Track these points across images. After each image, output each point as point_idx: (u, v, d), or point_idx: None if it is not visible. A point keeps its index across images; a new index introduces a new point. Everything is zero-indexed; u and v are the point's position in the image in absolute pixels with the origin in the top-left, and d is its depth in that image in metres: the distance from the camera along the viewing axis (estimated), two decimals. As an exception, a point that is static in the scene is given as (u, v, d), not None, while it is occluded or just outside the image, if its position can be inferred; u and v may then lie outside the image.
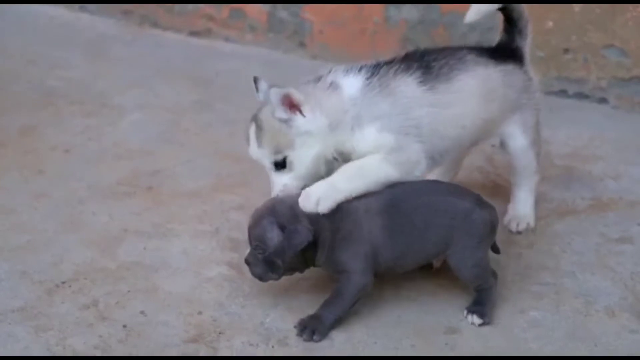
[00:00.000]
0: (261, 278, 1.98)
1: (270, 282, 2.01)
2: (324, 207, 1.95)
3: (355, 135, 2.04)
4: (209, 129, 2.91)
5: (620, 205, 2.49)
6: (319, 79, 2.09)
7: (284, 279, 2.02)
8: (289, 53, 3.40)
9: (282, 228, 1.93)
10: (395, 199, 1.99)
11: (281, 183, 2.05)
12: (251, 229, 1.96)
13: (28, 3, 3.64)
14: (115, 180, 2.57)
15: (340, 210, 1.96)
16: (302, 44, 3.41)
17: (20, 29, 3.54)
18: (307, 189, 2.00)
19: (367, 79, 2.07)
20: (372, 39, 3.30)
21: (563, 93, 3.10)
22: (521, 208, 2.36)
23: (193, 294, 2.08)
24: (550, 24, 3.06)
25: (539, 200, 2.49)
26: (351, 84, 2.07)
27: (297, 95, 2.00)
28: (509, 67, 2.22)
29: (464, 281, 2.04)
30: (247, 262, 2.00)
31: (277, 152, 2.04)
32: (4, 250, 2.23)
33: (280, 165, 2.05)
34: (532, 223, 2.36)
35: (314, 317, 1.96)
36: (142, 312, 2.01)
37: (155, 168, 2.64)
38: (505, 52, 2.25)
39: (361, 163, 2.02)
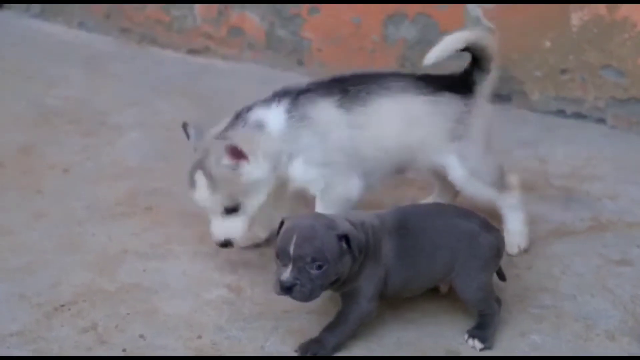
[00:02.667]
0: (309, 298, 1.87)
1: (270, 304, 2.00)
2: None
3: (289, 170, 2.15)
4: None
5: (619, 226, 2.50)
6: (240, 118, 2.13)
7: (283, 301, 2.01)
8: (287, 71, 3.41)
9: (338, 236, 1.86)
10: (405, 220, 1.99)
11: (229, 226, 2.13)
12: (303, 244, 1.84)
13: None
14: (114, 200, 2.57)
15: (365, 223, 1.94)
16: (300, 62, 3.42)
17: (19, 46, 3.54)
18: None
19: (288, 111, 2.14)
20: (370, 57, 3.31)
21: (561, 113, 3.12)
22: (509, 230, 2.34)
23: (192, 317, 2.08)
24: (548, 44, 3.08)
25: (538, 220, 2.49)
26: (275, 119, 2.13)
27: (244, 146, 2.06)
28: (443, 98, 2.23)
29: (467, 304, 2.04)
30: (290, 284, 1.85)
31: (231, 199, 2.11)
32: (2, 271, 2.22)
33: (232, 210, 2.13)
34: (522, 245, 2.35)
35: (315, 341, 1.95)
36: (141, 336, 2.00)
37: (153, 187, 2.64)
38: (450, 82, 2.26)
39: None
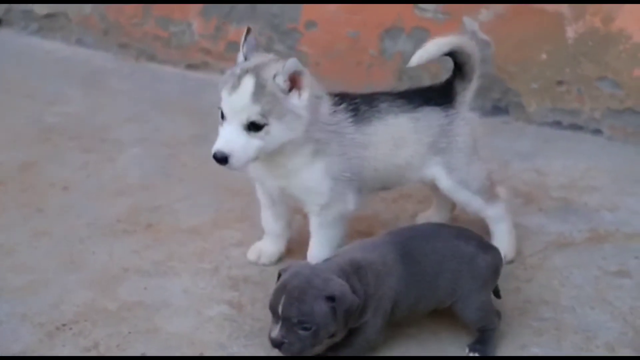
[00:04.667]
0: (299, 354, 1.87)
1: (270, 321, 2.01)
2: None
3: (307, 164, 2.11)
4: (207, 162, 2.88)
5: (617, 237, 2.51)
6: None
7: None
8: (285, 85, 3.43)
9: (327, 298, 1.85)
10: (407, 247, 2.00)
11: (237, 141, 2.03)
12: (290, 306, 1.84)
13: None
14: (115, 217, 2.57)
15: (362, 268, 1.94)
16: (298, 76, 3.44)
17: (17, 63, 3.56)
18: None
19: (332, 112, 2.14)
20: (368, 72, 3.33)
21: (557, 124, 3.13)
22: (496, 241, 2.31)
23: (194, 335, 2.08)
24: (544, 56, 3.10)
25: (536, 232, 2.51)
26: (325, 110, 2.13)
27: (307, 79, 2.04)
28: (423, 113, 2.23)
29: (468, 324, 2.05)
30: (278, 342, 1.86)
31: (265, 114, 2.01)
32: (4, 291, 2.23)
33: (254, 127, 2.03)
34: (509, 256, 2.33)
35: None
36: (143, 355, 2.01)
37: (154, 204, 2.65)
38: (430, 95, 2.26)
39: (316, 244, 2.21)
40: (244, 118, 2.02)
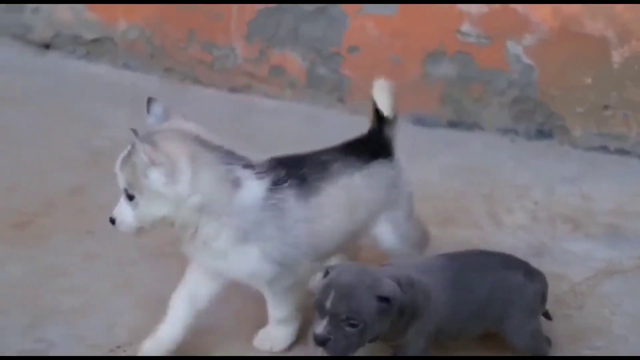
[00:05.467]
0: (343, 353, 1.85)
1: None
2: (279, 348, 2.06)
3: (236, 248, 1.93)
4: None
5: (668, 264, 2.49)
6: (229, 154, 1.95)
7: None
8: (329, 108, 3.45)
9: (378, 297, 1.84)
10: (459, 275, 2.00)
11: (123, 213, 1.95)
12: (339, 302, 1.82)
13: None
14: (164, 239, 2.60)
15: (414, 286, 1.93)
16: (341, 100, 3.47)
17: (65, 87, 3.62)
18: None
19: (270, 189, 1.94)
20: (410, 96, 3.34)
21: (604, 149, 3.12)
22: None
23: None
24: (589, 80, 3.09)
25: (584, 258, 2.50)
26: (253, 190, 1.93)
27: (152, 155, 1.87)
28: (374, 168, 2.09)
29: (519, 351, 2.04)
30: (324, 338, 1.83)
31: (130, 185, 1.93)
32: (57, 313, 2.27)
33: (129, 196, 1.94)
34: None
35: None
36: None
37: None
38: (373, 146, 2.11)
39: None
40: (120, 186, 1.96)
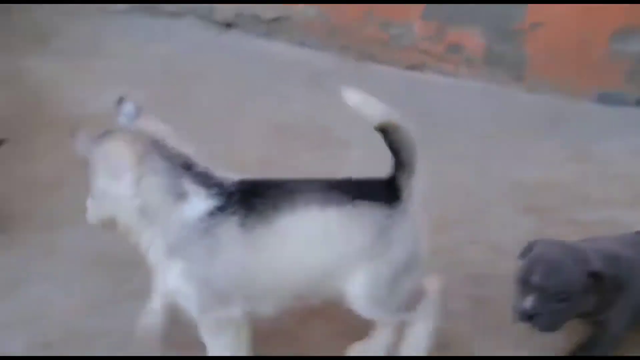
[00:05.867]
0: (550, 329, 1.86)
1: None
2: None
3: (164, 260, 1.84)
4: (436, 165, 2.93)
5: None
6: (186, 165, 1.83)
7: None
8: (505, 86, 3.40)
9: (588, 273, 1.83)
10: None
11: (87, 205, 1.91)
12: (548, 276, 1.81)
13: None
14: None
15: (618, 260, 1.91)
16: (519, 77, 3.40)
17: (247, 63, 3.78)
18: None
19: (210, 212, 1.80)
20: (595, 74, 3.23)
21: None
22: (410, 342, 1.96)
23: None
24: None
25: None
26: (195, 208, 1.81)
27: (78, 144, 1.83)
28: (360, 209, 1.81)
29: None
30: (531, 313, 1.84)
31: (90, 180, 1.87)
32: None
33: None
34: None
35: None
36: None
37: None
38: (371, 187, 1.86)
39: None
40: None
